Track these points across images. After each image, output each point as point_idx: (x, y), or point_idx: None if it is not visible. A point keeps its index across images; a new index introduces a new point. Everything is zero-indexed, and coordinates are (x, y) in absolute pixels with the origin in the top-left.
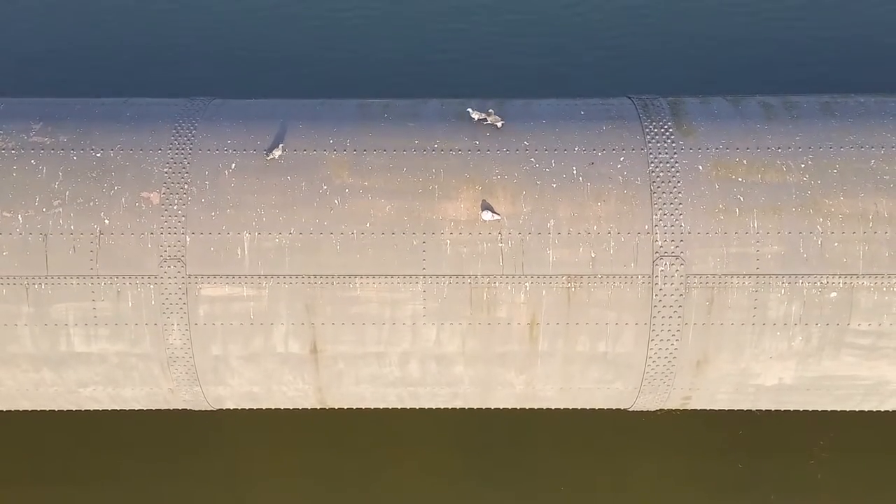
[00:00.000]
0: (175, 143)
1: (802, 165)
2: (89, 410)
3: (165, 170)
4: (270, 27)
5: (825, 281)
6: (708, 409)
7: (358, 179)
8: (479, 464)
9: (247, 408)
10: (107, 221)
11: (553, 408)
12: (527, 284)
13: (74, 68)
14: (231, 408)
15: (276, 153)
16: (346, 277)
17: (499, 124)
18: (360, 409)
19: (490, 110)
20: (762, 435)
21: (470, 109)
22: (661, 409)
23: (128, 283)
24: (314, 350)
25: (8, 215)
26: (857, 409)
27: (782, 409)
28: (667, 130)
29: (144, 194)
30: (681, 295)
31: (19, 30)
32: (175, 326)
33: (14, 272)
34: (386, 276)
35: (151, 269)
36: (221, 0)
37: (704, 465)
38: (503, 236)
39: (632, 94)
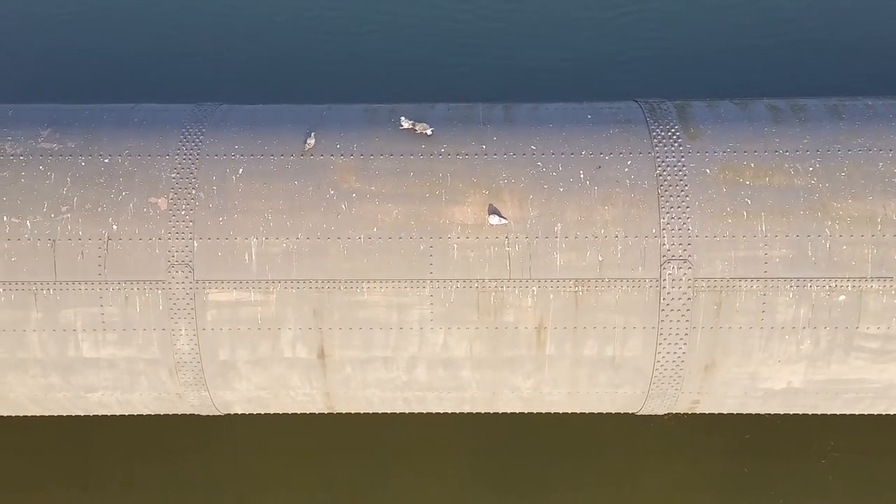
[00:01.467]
0: (182, 148)
1: (810, 168)
2: (98, 416)
3: (173, 175)
4: (277, 32)
5: (834, 284)
6: (716, 413)
7: (365, 184)
8: (486, 468)
9: (254, 413)
10: (115, 227)
11: (561, 412)
12: (534, 288)
13: (81, 74)
14: (239, 412)
15: (311, 142)
16: (354, 282)
17: (428, 132)
18: (368, 413)
19: (413, 120)
20: (770, 439)
21: (402, 118)
22: (669, 414)
23: (136, 289)
24: (322, 355)
25: (16, 221)
26: (866, 413)
27: (791, 412)
28: (674, 134)
29: (152, 200)
30: (689, 298)
31: (25, 35)
32: (183, 331)
33: (23, 278)
34: (393, 281)
35: (159, 275)
36: (229, 5)
37: (713, 469)
38: (510, 240)
39: (638, 97)
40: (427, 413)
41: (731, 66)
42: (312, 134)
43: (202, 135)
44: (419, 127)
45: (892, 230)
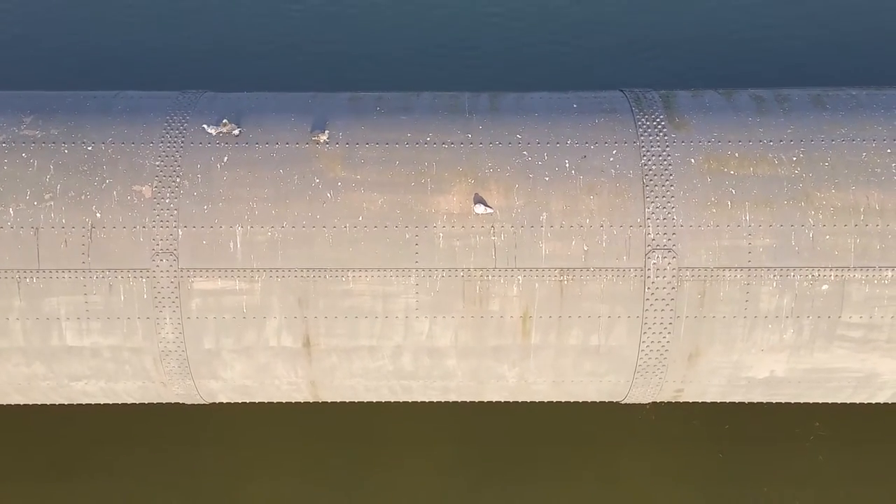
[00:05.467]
0: (167, 136)
1: (794, 158)
2: (82, 404)
3: (157, 163)
4: (261, 19)
5: (817, 273)
6: (700, 401)
7: (350, 173)
8: (472, 457)
9: (239, 401)
10: (98, 215)
11: (546, 401)
12: (519, 278)
13: (66, 62)
14: (224, 401)
15: (322, 136)
16: (339, 271)
17: (236, 132)
18: (353, 402)
19: (225, 120)
20: (754, 426)
21: (205, 126)
22: (652, 402)
23: (120, 277)
24: (307, 343)
25: None
26: (848, 402)
27: (774, 401)
28: (659, 123)
29: (136, 188)
30: (673, 288)
31: (10, 25)
32: (167, 320)
33: (5, 266)
34: (378, 270)
35: (143, 263)
36: None
37: (697, 458)
38: (496, 230)
39: (624, 87)
40: (412, 402)
41: (716, 56)
42: (326, 132)
43: (186, 122)
44: (227, 128)
45: (874, 220)
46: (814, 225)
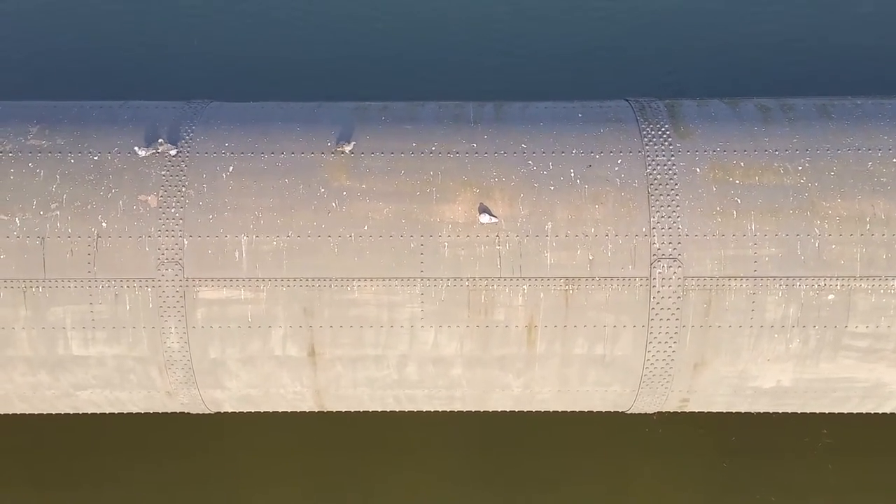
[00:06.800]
0: None
1: (800, 168)
2: (87, 414)
3: (163, 173)
4: (267, 29)
5: (823, 283)
6: (706, 411)
7: (356, 182)
8: (477, 467)
9: (244, 411)
10: (104, 224)
11: (551, 410)
12: (524, 287)
13: (70, 71)
14: (229, 411)
15: (347, 147)
16: (344, 280)
17: (172, 152)
18: (358, 411)
19: (161, 140)
20: (760, 436)
21: (136, 148)
22: (658, 412)
23: (125, 287)
24: (312, 353)
25: (5, 218)
26: (854, 412)
27: (780, 411)
28: (664, 133)
29: (142, 197)
30: (678, 297)
31: (15, 33)
32: (173, 329)
33: (11, 275)
34: (384, 279)
35: (149, 272)
36: (218, 3)
37: (703, 468)
38: (501, 239)
39: (629, 96)
40: (417, 411)
41: (722, 65)
42: (352, 143)
43: (192, 132)
44: (162, 149)
45: (880, 229)
46: (819, 234)
